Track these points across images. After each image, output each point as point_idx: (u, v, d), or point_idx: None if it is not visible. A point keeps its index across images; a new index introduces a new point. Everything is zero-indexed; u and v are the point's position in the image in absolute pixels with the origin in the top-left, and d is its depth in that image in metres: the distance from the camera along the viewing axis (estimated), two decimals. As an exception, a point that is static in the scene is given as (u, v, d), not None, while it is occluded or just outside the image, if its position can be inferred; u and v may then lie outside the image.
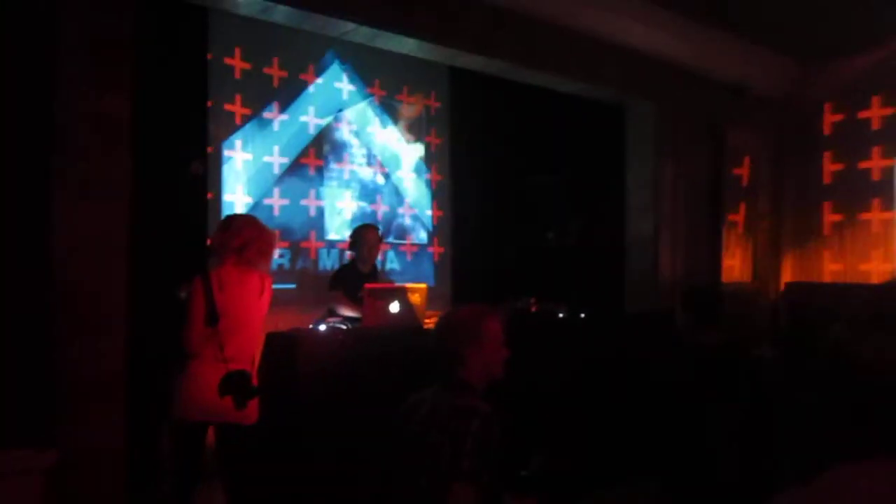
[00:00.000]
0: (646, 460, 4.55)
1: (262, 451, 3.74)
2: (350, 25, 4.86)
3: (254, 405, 3.59)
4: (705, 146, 7.02)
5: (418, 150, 7.03)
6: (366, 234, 5.14)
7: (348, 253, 5.59)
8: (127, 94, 3.62)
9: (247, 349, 3.59)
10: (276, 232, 3.90)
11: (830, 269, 7.56)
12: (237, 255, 3.58)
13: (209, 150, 5.41)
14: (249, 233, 3.65)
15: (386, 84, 6.73)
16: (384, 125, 6.80)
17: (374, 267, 5.25)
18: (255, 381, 3.57)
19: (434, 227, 7.15)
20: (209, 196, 5.37)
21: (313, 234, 6.33)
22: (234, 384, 3.44)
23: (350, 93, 6.52)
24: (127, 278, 3.63)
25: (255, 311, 3.62)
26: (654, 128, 6.72)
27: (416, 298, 4.27)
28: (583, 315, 5.33)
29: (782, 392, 4.41)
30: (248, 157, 5.86)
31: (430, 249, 7.12)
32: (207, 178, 5.20)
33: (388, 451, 2.40)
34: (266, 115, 5.96)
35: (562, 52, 5.84)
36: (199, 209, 5.08)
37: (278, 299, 3.96)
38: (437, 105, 7.13)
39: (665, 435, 3.36)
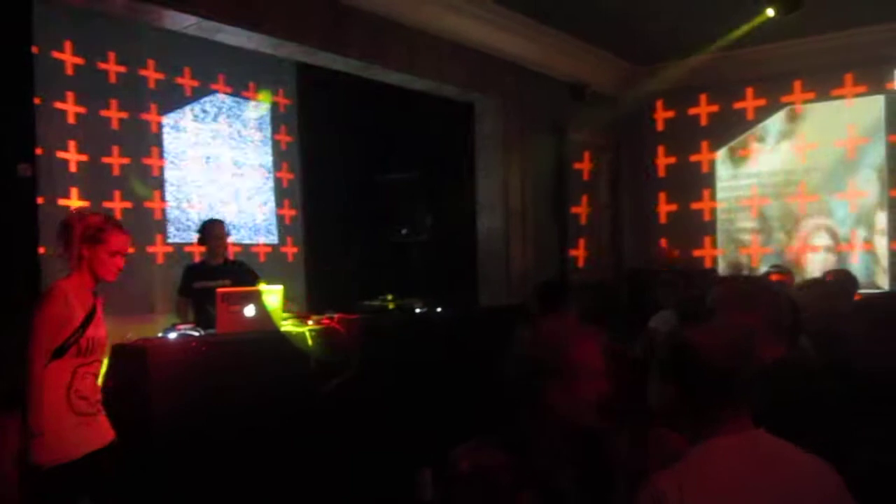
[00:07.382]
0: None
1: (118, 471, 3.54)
2: (191, 19, 4.66)
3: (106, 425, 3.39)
4: (549, 142, 7.31)
5: (266, 148, 6.87)
6: (212, 229, 5.21)
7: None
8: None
9: None
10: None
11: (670, 255, 8.09)
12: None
13: (39, 151, 5.03)
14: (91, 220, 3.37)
15: (231, 80, 6.52)
16: (230, 123, 6.59)
17: (227, 259, 5.26)
18: None
19: (286, 226, 7.02)
20: (40, 201, 5.01)
21: (160, 238, 6.05)
22: None
23: (193, 89, 6.27)
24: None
25: None
26: (501, 125, 6.91)
27: (272, 301, 4.16)
28: (439, 309, 5.41)
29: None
30: (84, 157, 5.51)
31: (283, 250, 6.99)
32: (38, 181, 4.83)
33: None
34: (102, 112, 5.64)
35: (409, 49, 5.89)
36: (28, 215, 4.70)
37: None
38: (287, 102, 7.00)
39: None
